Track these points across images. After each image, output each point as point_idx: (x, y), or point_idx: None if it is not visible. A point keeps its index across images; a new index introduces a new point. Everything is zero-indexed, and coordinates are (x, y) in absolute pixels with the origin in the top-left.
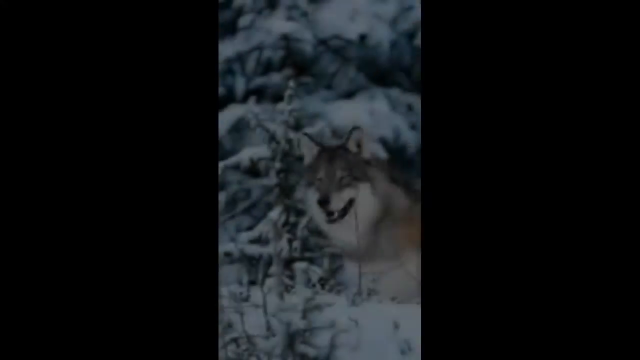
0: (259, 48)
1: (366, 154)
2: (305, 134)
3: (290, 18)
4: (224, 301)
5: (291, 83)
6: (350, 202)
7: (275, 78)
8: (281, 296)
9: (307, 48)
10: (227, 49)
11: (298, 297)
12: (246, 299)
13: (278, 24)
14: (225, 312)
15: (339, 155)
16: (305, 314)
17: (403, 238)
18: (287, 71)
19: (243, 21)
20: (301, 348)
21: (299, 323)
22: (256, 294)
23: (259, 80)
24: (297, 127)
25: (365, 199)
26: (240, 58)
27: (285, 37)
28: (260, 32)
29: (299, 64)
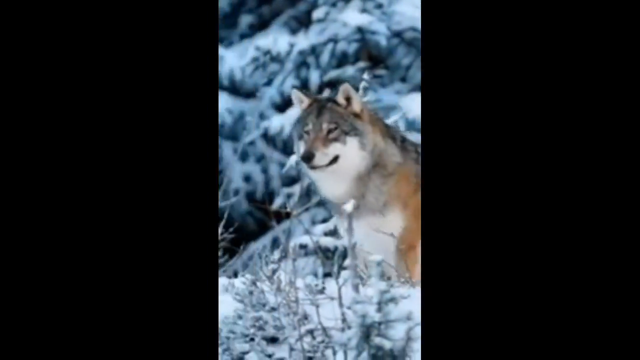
0: (334, 40)
1: (356, 107)
2: (295, 87)
3: (364, 10)
4: (299, 293)
5: (365, 75)
6: (335, 159)
7: (349, 70)
8: (356, 288)
9: (382, 40)
10: (301, 41)
11: (373, 289)
12: (322, 291)
13: (352, 16)
14: (300, 304)
15: (328, 108)
16: (380, 306)
17: (390, 195)
18: (362, 63)
19: (317, 14)
20: (377, 340)
21: (374, 315)
22: (331, 286)
23: (333, 73)
24: None
25: (353, 153)
26: (315, 51)
27: (360, 30)
28: (335, 25)
29: (374, 57)
